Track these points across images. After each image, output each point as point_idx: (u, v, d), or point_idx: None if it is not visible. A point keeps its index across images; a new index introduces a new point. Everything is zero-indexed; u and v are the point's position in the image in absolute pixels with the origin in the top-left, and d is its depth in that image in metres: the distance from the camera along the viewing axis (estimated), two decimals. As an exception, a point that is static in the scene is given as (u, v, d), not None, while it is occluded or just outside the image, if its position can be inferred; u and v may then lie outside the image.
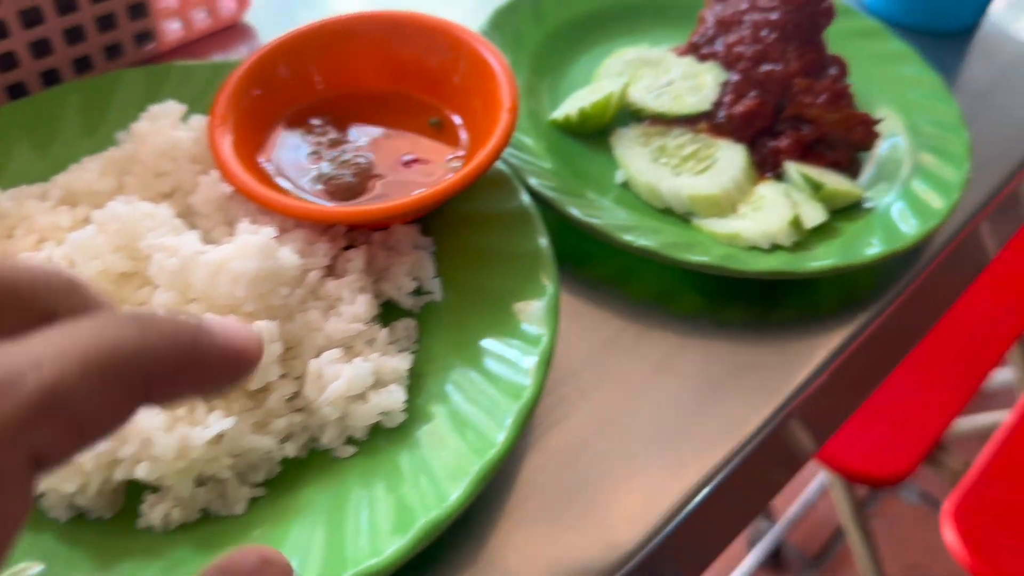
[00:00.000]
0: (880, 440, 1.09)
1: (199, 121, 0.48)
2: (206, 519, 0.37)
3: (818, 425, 0.52)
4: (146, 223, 0.41)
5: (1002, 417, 1.12)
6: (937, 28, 0.72)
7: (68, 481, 0.35)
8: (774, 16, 0.54)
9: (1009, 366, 1.41)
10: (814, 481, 1.61)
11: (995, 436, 1.06)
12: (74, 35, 0.57)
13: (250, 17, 0.67)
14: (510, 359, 0.41)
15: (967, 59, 0.72)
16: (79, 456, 0.33)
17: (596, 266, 0.52)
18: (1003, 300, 1.30)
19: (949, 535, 0.95)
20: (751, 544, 1.46)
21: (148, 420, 0.35)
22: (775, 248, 0.49)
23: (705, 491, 0.42)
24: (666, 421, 0.45)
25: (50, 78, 0.57)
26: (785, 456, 0.50)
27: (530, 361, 0.40)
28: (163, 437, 0.35)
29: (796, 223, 0.49)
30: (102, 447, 0.35)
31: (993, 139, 0.63)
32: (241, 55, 0.64)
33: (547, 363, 0.40)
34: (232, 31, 0.66)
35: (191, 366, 0.19)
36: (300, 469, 0.39)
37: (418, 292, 0.45)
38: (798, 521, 1.51)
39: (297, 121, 0.49)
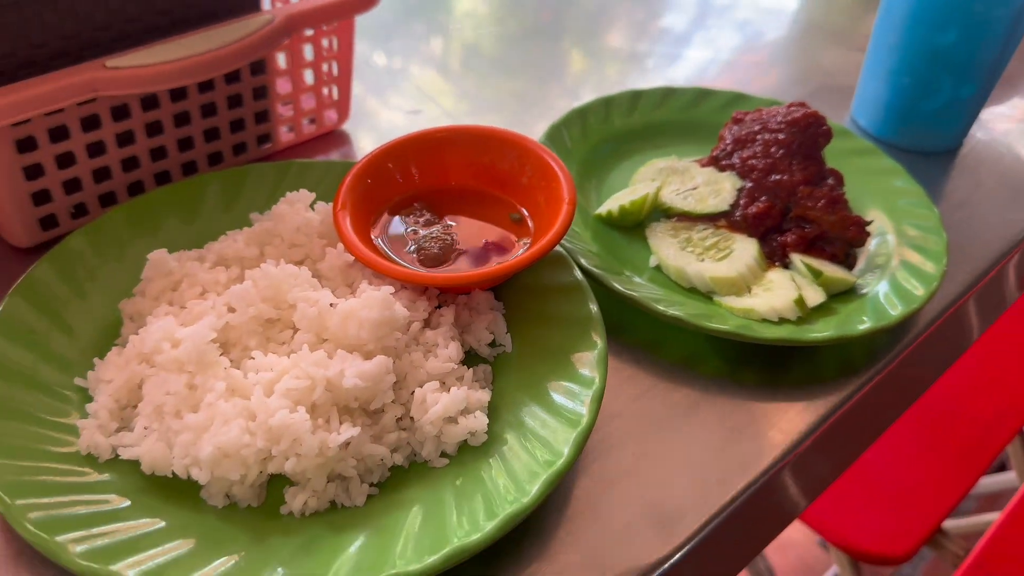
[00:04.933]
0: (888, 522, 1.16)
1: (322, 206, 0.60)
2: (334, 509, 0.47)
3: (816, 474, 0.61)
4: (290, 280, 0.52)
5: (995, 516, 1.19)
6: (925, 149, 0.85)
7: (232, 471, 0.45)
8: (782, 136, 0.67)
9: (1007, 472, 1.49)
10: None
11: (996, 523, 1.13)
12: (211, 134, 0.70)
13: (346, 126, 0.81)
14: (569, 396, 0.51)
15: (950, 175, 0.84)
16: (242, 451, 0.44)
17: (633, 333, 0.62)
18: (1006, 396, 1.39)
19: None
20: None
21: (298, 425, 0.45)
22: (783, 321, 0.60)
23: (726, 513, 0.52)
24: (692, 457, 0.55)
25: (189, 168, 0.70)
26: (787, 496, 0.59)
27: (585, 397, 0.51)
28: (309, 438, 0.45)
29: (800, 302, 0.60)
30: (260, 444, 0.45)
31: (971, 241, 0.75)
32: (337, 157, 0.78)
33: (599, 399, 0.51)
34: (332, 136, 0.79)
35: None
36: (404, 475, 0.49)
37: (493, 344, 0.56)
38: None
39: (400, 206, 0.62)
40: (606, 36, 1.06)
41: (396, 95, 0.90)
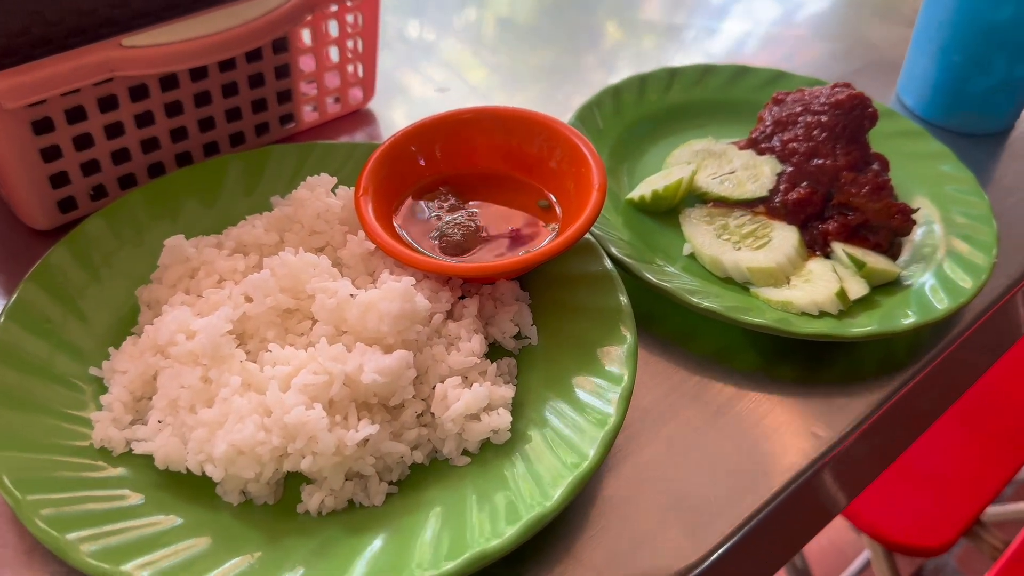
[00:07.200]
0: (923, 512, 1.13)
1: (344, 191, 0.58)
2: (352, 508, 0.46)
3: (856, 474, 0.59)
4: (309, 270, 0.50)
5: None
6: (974, 131, 0.81)
7: (247, 469, 0.44)
8: (825, 119, 0.64)
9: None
10: (855, 562, 1.63)
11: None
12: (233, 114, 0.68)
13: (372, 104, 0.79)
14: (596, 393, 0.49)
15: (1000, 158, 0.80)
16: (257, 448, 0.42)
17: (665, 324, 0.60)
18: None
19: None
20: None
21: (315, 422, 0.44)
22: (823, 315, 0.57)
23: (759, 517, 0.50)
24: (725, 458, 0.52)
25: (210, 149, 0.69)
26: (826, 498, 0.57)
27: (613, 395, 0.49)
28: (325, 436, 0.44)
29: (842, 295, 0.57)
30: (275, 442, 0.44)
31: (1022, 228, 0.71)
32: (363, 137, 0.76)
33: (627, 398, 0.49)
34: (357, 116, 0.77)
35: None
36: (425, 473, 0.48)
37: (518, 336, 0.54)
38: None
39: (425, 191, 0.60)
40: (642, 7, 1.02)
41: (424, 71, 0.88)
